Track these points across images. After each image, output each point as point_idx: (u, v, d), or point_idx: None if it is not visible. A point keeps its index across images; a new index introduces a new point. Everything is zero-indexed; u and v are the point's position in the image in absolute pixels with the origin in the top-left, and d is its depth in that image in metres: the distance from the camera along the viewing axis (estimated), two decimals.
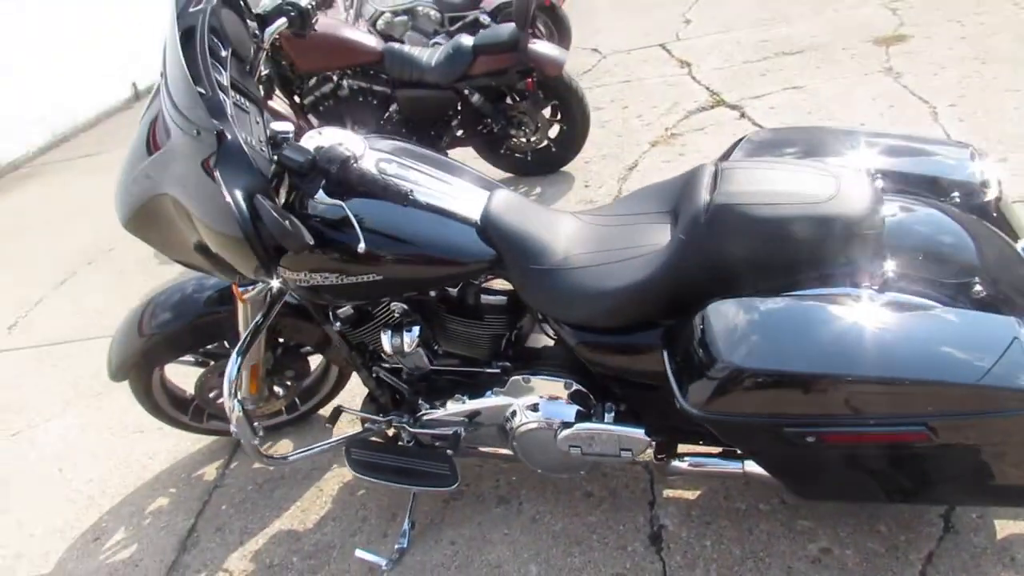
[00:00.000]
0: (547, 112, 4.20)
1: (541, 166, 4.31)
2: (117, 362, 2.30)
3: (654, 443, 1.90)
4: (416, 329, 1.97)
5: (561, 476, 2.21)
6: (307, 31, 2.17)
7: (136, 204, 1.77)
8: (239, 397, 1.99)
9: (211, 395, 2.48)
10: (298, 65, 4.09)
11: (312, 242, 1.65)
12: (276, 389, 2.49)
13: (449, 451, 2.12)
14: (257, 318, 2.04)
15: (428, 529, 2.20)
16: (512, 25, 3.83)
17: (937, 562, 1.83)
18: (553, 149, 4.25)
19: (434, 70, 3.95)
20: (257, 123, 1.84)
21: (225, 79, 1.73)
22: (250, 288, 2.01)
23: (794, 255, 1.59)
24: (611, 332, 1.80)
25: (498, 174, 4.38)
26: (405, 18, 6.19)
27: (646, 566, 1.97)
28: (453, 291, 1.99)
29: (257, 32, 2.05)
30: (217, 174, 1.52)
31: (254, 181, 1.54)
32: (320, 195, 1.74)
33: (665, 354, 1.68)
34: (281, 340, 2.37)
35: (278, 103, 4.26)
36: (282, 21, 2.09)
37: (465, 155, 4.59)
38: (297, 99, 4.23)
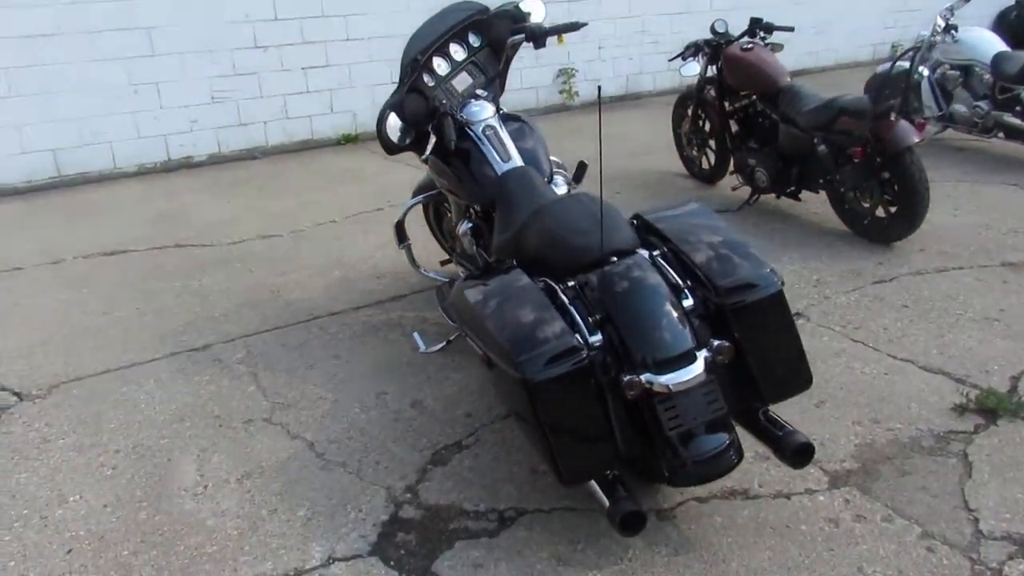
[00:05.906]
0: (895, 187, 4.35)
1: (872, 233, 4.50)
2: (417, 187, 4.11)
3: None
4: (469, 224, 3.30)
5: None
6: (540, 45, 3.45)
7: None
8: (403, 224, 3.67)
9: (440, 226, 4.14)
10: (728, 79, 5.11)
11: (404, 142, 3.14)
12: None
13: None
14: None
15: (460, 351, 3.53)
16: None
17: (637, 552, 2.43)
18: (886, 222, 4.42)
19: (804, 115, 4.54)
20: (473, 84, 3.36)
21: (461, 55, 3.30)
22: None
23: (549, 256, 2.49)
24: None
25: (842, 226, 4.71)
26: (958, 73, 6.27)
27: (494, 430, 3.01)
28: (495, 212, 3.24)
29: (506, 38, 3.46)
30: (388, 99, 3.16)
31: (396, 103, 3.12)
32: (431, 127, 3.20)
33: None
34: None
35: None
36: (521, 36, 3.44)
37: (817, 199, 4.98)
38: (726, 104, 5.27)
